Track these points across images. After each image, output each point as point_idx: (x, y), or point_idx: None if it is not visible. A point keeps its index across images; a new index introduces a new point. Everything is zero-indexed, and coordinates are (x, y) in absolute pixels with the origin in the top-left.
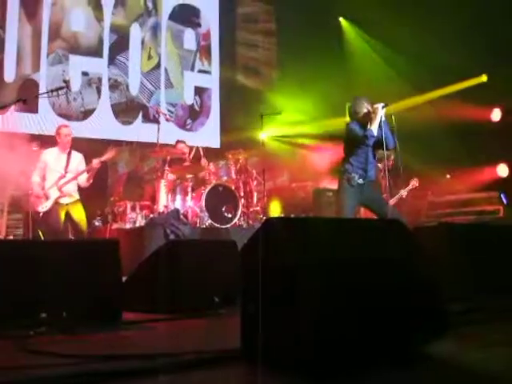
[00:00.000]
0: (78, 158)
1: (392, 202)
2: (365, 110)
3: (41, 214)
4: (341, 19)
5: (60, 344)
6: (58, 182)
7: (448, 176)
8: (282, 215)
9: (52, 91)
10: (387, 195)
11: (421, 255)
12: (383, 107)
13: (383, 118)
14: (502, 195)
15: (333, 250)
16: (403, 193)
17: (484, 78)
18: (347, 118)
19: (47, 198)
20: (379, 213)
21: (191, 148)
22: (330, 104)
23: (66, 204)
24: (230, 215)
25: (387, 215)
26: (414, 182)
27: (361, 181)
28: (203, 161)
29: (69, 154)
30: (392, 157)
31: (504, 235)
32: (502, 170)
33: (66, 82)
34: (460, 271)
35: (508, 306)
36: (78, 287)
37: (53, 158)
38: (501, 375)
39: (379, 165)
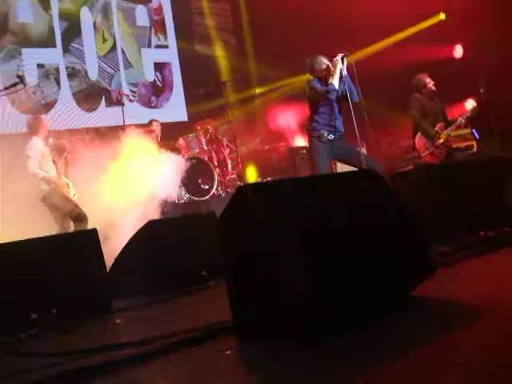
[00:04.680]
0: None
1: (449, 130)
2: (323, 66)
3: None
4: None
5: (53, 342)
6: (67, 169)
7: None
8: (259, 179)
9: (6, 88)
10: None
11: (398, 201)
12: (342, 58)
13: (344, 71)
14: (474, 131)
15: (309, 209)
16: (462, 120)
17: (442, 16)
18: (308, 76)
19: (68, 185)
20: (354, 163)
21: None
22: (292, 63)
23: None
24: (207, 186)
25: (362, 165)
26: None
27: (331, 136)
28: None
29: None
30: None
31: (479, 171)
32: (471, 105)
33: (20, 76)
34: (440, 212)
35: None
36: (65, 283)
37: (42, 146)
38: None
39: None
